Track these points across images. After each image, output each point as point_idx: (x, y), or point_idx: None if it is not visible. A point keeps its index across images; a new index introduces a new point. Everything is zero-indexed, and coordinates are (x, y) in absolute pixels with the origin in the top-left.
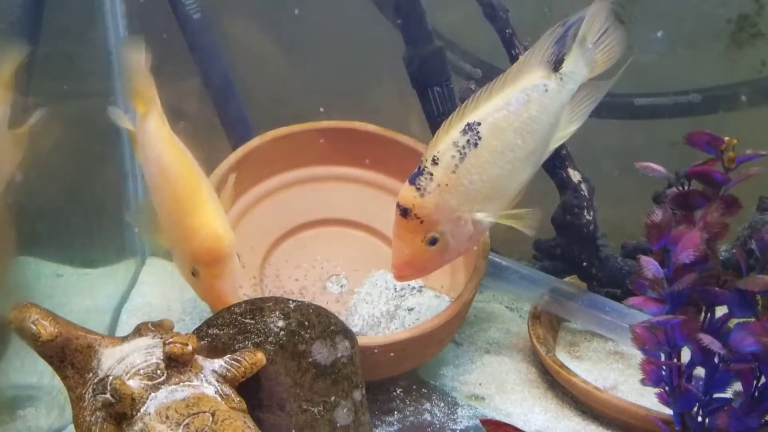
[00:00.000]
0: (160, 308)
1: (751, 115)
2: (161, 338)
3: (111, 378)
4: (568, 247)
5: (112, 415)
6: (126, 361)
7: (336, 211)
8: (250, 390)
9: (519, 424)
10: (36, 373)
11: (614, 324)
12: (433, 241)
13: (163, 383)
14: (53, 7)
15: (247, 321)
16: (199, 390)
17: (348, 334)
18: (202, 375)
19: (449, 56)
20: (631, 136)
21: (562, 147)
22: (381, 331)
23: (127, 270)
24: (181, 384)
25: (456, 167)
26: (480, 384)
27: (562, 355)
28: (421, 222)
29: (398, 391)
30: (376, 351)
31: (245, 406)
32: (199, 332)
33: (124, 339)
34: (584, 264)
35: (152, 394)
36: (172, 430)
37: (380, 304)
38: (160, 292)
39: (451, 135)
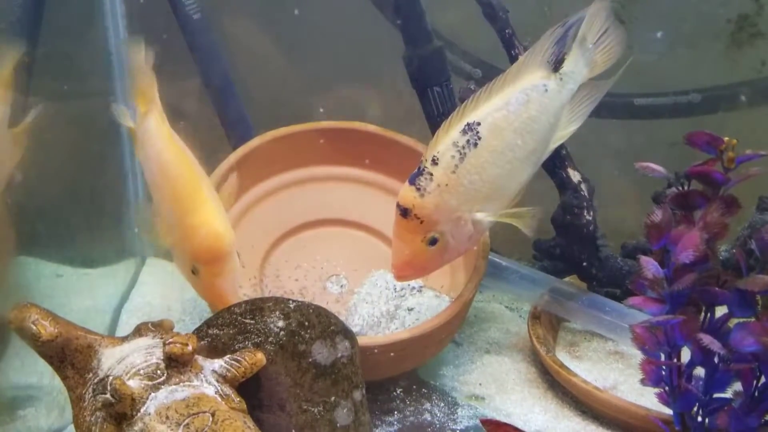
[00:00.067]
0: (160, 308)
1: (751, 115)
2: (161, 338)
3: (111, 378)
4: (568, 247)
5: (112, 415)
6: (126, 361)
7: (336, 211)
8: (250, 390)
9: (519, 424)
10: (36, 373)
11: (614, 324)
12: (433, 241)
13: (163, 383)
14: (53, 7)
15: (247, 321)
16: (199, 390)
17: (348, 334)
18: (202, 375)
19: (449, 56)
20: (631, 136)
21: (561, 147)
22: (381, 331)
23: (127, 270)
24: (181, 384)
25: (456, 167)
26: (480, 384)
27: (562, 355)
28: (421, 222)
29: (398, 391)
30: (376, 351)
31: (245, 406)
32: (199, 332)
33: (124, 339)
34: (584, 264)
35: (152, 394)
36: (172, 430)
37: (380, 304)
38: (160, 292)
39: (450, 135)
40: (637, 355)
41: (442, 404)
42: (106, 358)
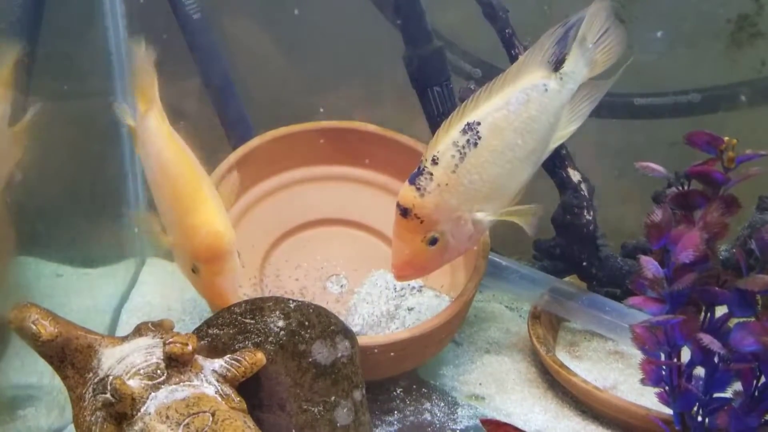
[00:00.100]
0: (160, 308)
1: (751, 115)
2: (161, 338)
3: (111, 378)
4: (568, 247)
5: (112, 414)
6: (126, 360)
7: (336, 211)
8: (250, 390)
9: (519, 424)
10: (36, 373)
11: (614, 324)
12: (433, 241)
13: (163, 383)
14: (53, 7)
15: (247, 321)
16: (200, 390)
17: (348, 333)
18: (202, 375)
19: (449, 56)
20: (631, 136)
21: (561, 147)
22: (381, 331)
23: (127, 270)
24: (182, 384)
25: (456, 167)
26: (480, 384)
27: (562, 355)
28: (421, 222)
29: (398, 391)
30: (376, 351)
31: (245, 405)
32: (199, 332)
33: (124, 339)
34: (584, 264)
35: (152, 393)
36: (172, 429)
37: (380, 303)
38: (160, 292)
39: (450, 135)
40: (637, 355)
41: (442, 404)
42: (106, 358)
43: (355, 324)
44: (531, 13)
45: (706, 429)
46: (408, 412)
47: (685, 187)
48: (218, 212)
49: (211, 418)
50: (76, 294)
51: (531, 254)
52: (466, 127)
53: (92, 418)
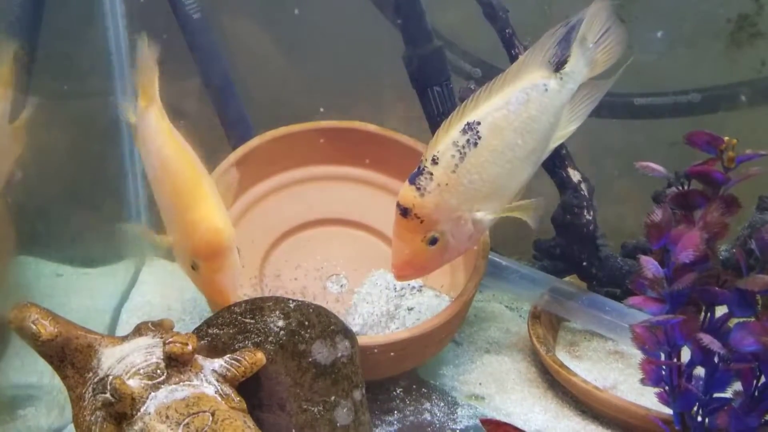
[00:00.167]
0: (160, 308)
1: (751, 115)
2: (161, 338)
3: (111, 377)
4: (568, 247)
5: (112, 414)
6: (126, 360)
7: (336, 211)
8: (250, 389)
9: (519, 424)
10: (36, 372)
11: (614, 323)
12: (433, 241)
13: (163, 383)
14: (53, 7)
15: (247, 320)
16: (199, 390)
17: (348, 333)
18: (202, 374)
19: (449, 56)
20: (631, 136)
21: (561, 146)
22: (381, 331)
23: (127, 270)
24: (181, 383)
25: (456, 167)
26: (480, 383)
27: (562, 355)
28: (421, 221)
29: (398, 391)
30: (376, 351)
31: (245, 405)
32: (199, 332)
33: (124, 338)
34: (584, 264)
35: (152, 393)
36: (172, 429)
37: (380, 303)
38: (160, 291)
39: (450, 134)
40: (637, 355)
41: (442, 404)
42: (106, 358)
43: (355, 324)
44: (531, 13)
45: (706, 429)
46: (408, 412)
47: (685, 187)
48: (218, 209)
49: (210, 418)
50: (76, 294)
51: (531, 254)
52: (466, 126)
53: (92, 418)
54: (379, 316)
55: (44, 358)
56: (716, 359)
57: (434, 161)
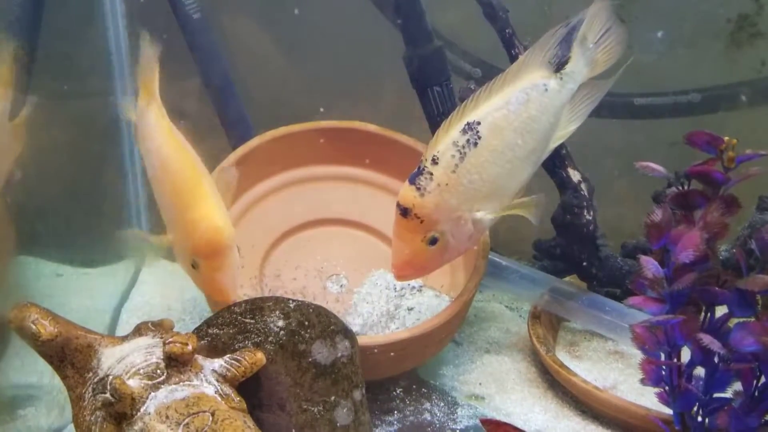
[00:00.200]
0: (160, 308)
1: (751, 115)
2: (161, 338)
3: (111, 377)
4: (568, 247)
5: (112, 414)
6: (126, 360)
7: (336, 211)
8: (250, 389)
9: (519, 424)
10: (36, 372)
11: (614, 323)
12: (433, 241)
13: (163, 383)
14: (53, 7)
15: (247, 320)
16: (199, 390)
17: (348, 333)
18: (202, 374)
19: (449, 56)
20: (631, 136)
21: (561, 146)
22: (381, 331)
23: (127, 270)
24: (181, 384)
25: (456, 167)
26: (480, 383)
27: (562, 355)
28: (421, 221)
29: (398, 391)
30: (376, 351)
31: (245, 405)
32: (199, 332)
33: (124, 338)
34: (584, 264)
35: (152, 393)
36: (172, 429)
37: (380, 303)
38: (160, 291)
39: (450, 134)
40: (637, 355)
41: (442, 404)
42: (106, 358)
43: (355, 324)
44: (531, 13)
45: (706, 429)
46: (408, 412)
47: (685, 187)
48: (218, 208)
49: (210, 418)
50: (76, 294)
51: (531, 254)
52: (466, 126)
53: (92, 418)
54: (379, 316)
55: (44, 358)
56: (716, 359)
57: (434, 161)
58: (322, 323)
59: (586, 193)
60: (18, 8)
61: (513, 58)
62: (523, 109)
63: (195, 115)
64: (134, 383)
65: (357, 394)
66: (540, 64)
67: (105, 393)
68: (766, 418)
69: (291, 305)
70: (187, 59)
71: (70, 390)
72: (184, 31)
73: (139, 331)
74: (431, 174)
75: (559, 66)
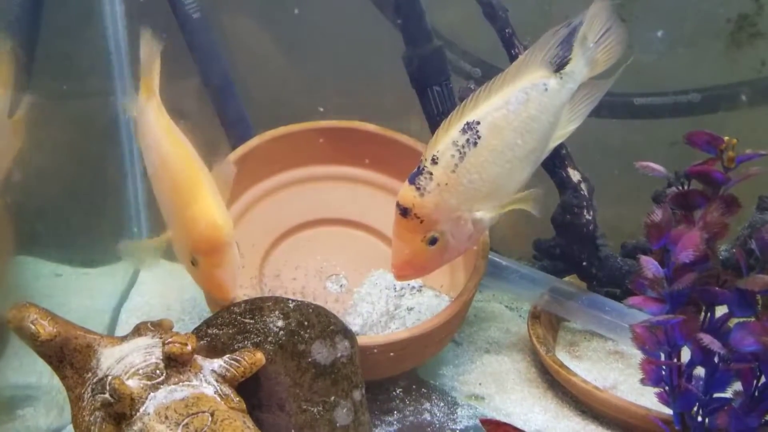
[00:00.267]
0: (160, 308)
1: (751, 115)
2: (160, 338)
3: (110, 378)
4: (567, 247)
5: (111, 414)
6: (125, 360)
7: (336, 211)
8: (250, 390)
9: (519, 424)
10: (35, 372)
11: (614, 323)
12: (433, 241)
13: (162, 383)
14: (53, 6)
15: (247, 321)
16: (199, 390)
17: (347, 333)
18: (201, 375)
19: (449, 56)
20: (631, 136)
21: (561, 146)
22: (381, 331)
23: (127, 270)
24: (181, 384)
25: (456, 166)
26: (480, 384)
27: (562, 355)
28: (421, 221)
29: (398, 391)
30: (375, 351)
31: (245, 405)
32: (198, 332)
33: (124, 339)
34: (584, 264)
35: (151, 393)
36: (171, 430)
37: (380, 303)
38: (160, 291)
39: (450, 134)
40: (637, 355)
41: (442, 404)
42: (105, 358)
43: (354, 324)
44: (531, 12)
45: (706, 429)
46: (408, 412)
47: (685, 187)
48: (217, 205)
49: (210, 418)
50: (76, 294)
51: (531, 254)
52: (466, 126)
53: (91, 418)
54: (379, 316)
55: (43, 358)
56: (716, 359)
57: (434, 161)
58: (321, 323)
59: (585, 193)
60: (18, 8)
61: (513, 58)
62: (522, 108)
63: (195, 114)
64: (133, 383)
65: (357, 395)
66: (540, 63)
67: (104, 393)
68: (766, 418)
69: (290, 305)
70: (187, 59)
71: (69, 390)
72: (183, 31)
73: (138, 331)
74: (431, 174)
75: (559, 66)
